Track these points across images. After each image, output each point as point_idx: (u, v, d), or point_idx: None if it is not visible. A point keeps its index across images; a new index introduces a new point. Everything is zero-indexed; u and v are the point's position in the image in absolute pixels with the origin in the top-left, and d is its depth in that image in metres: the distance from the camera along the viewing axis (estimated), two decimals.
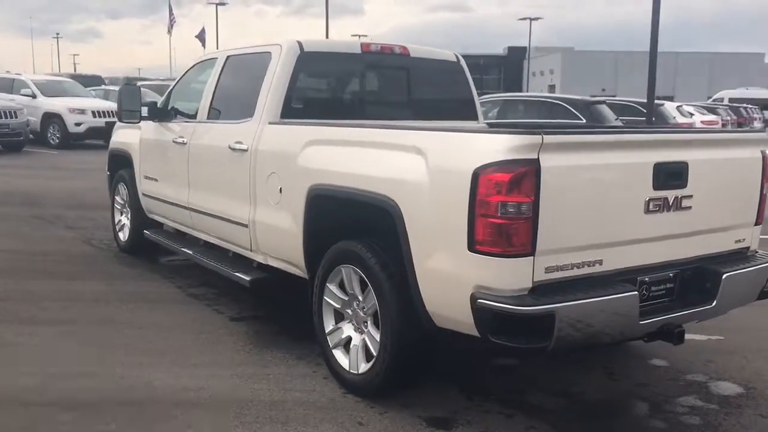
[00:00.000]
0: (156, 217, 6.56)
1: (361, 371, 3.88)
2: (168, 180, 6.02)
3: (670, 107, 19.75)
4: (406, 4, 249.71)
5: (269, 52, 4.90)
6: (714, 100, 38.23)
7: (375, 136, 3.75)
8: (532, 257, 3.05)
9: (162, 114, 6.19)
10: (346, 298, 4.01)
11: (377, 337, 3.74)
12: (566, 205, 3.10)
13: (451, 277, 3.22)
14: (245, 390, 3.94)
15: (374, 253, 3.71)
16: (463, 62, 5.64)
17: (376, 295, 3.70)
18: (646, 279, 3.49)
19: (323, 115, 4.84)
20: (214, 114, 5.45)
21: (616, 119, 13.92)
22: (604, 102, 14.60)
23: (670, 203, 3.47)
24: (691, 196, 3.54)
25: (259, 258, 4.85)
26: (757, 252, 4.05)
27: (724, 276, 3.64)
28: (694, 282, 3.68)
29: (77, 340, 4.66)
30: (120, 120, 6.17)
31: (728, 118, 29.97)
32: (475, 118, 5.70)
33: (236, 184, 4.89)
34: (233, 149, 4.87)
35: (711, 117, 26.00)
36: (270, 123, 4.68)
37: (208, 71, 5.85)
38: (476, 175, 3.04)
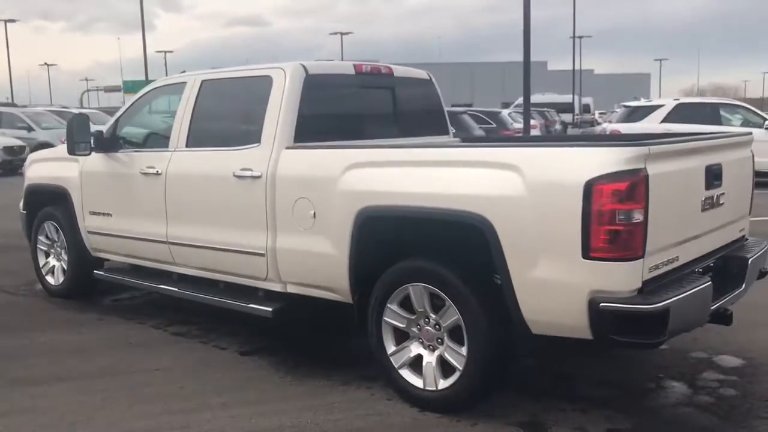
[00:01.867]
0: (107, 255, 6.08)
1: (440, 387, 3.93)
2: (131, 214, 5.61)
3: (505, 114, 21.26)
4: (200, 19, 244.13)
5: (269, 76, 4.78)
6: (515, 106, 41.49)
7: (456, 155, 3.84)
8: (642, 259, 3.32)
9: (113, 144, 5.77)
10: (413, 317, 4.04)
11: (461, 351, 3.82)
12: (662, 209, 3.40)
13: (562, 284, 3.40)
14: (326, 422, 3.84)
15: (454, 269, 3.80)
16: (434, 80, 5.84)
17: (459, 309, 3.78)
18: (700, 270, 3.90)
19: (330, 137, 4.81)
20: (196, 141, 5.18)
21: (479, 128, 14.81)
22: (465, 112, 15.47)
23: (714, 201, 3.91)
24: (723, 194, 4.00)
25: (275, 287, 4.71)
26: (746, 239, 4.63)
27: (749, 261, 4.16)
28: (724, 269, 4.15)
29: (101, 395, 4.24)
30: (72, 153, 5.65)
31: (539, 122, 32.76)
32: (447, 132, 5.91)
33: (246, 213, 4.71)
34: (240, 177, 4.70)
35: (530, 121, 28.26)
36: (288, 148, 4.58)
37: (172, 96, 5.56)
38: (589, 186, 3.26)
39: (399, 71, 5.49)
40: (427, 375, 3.99)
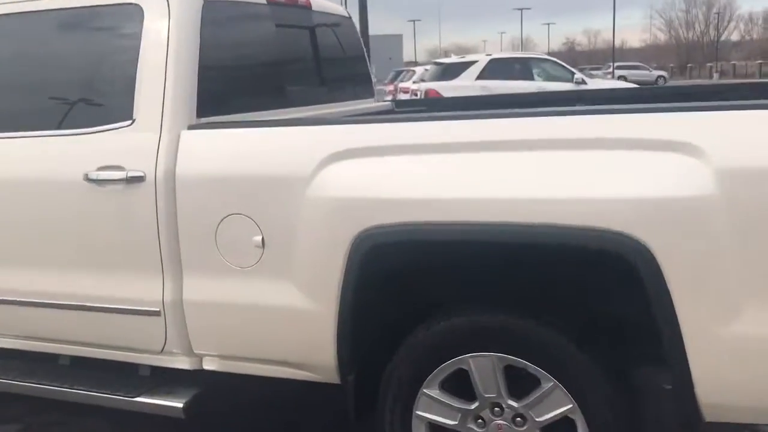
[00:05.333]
0: None
1: None
2: None
3: None
4: None
5: (136, 5, 2.76)
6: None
7: (566, 129, 2.17)
8: None
9: None
10: (472, 407, 2.39)
11: None
12: None
13: None
14: None
15: (562, 328, 2.22)
16: (353, 19, 4.09)
17: (572, 394, 2.21)
18: None
19: (249, 103, 2.96)
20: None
21: None
22: None
23: None
24: None
25: (179, 363, 2.79)
26: None
27: None
28: None
29: None
30: None
31: None
32: (372, 94, 4.21)
33: (118, 243, 2.71)
34: (97, 181, 2.68)
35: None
36: (192, 127, 2.64)
37: None
38: None
39: (316, 4, 3.67)
40: None
